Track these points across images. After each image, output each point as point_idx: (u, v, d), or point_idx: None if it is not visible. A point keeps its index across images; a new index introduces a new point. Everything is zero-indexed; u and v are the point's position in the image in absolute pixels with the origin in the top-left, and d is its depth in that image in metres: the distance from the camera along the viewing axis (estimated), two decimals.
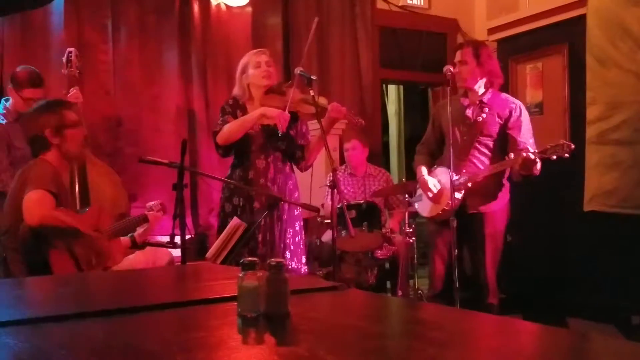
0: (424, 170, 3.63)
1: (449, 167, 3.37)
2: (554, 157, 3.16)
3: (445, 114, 3.43)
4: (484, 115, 3.50)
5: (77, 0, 4.25)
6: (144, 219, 3.24)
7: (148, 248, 3.21)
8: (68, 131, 2.84)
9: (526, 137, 3.46)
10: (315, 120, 3.12)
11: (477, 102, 3.52)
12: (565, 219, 4.81)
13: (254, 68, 3.26)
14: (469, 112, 3.53)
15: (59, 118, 2.84)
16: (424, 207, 3.70)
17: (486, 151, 3.51)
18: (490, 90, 3.54)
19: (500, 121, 3.51)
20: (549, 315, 4.54)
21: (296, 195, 3.40)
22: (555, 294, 4.79)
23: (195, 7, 4.63)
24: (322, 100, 3.22)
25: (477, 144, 3.50)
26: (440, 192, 3.51)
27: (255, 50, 3.43)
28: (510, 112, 3.50)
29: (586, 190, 4.50)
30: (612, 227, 4.41)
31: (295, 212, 3.35)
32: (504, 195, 3.58)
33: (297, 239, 3.34)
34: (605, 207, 4.39)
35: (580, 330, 4.17)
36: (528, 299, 4.89)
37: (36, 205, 2.55)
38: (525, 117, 3.53)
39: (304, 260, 3.40)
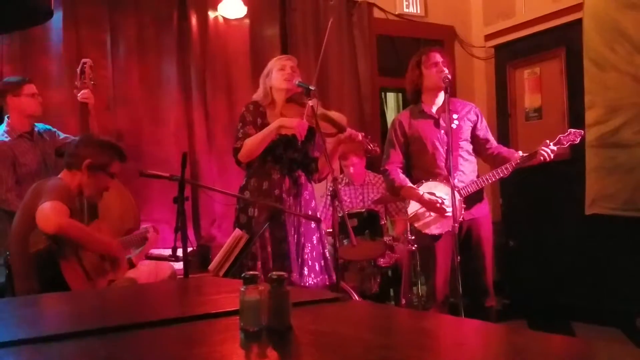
0: (419, 188, 3.46)
1: (434, 180, 3.41)
2: (566, 143, 3.36)
3: (415, 127, 3.49)
4: (457, 122, 3.49)
5: (76, 15, 4.26)
6: (144, 237, 3.22)
7: (150, 261, 3.20)
8: (102, 176, 2.88)
9: (492, 137, 3.63)
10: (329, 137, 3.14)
11: (446, 110, 3.42)
12: (567, 222, 4.81)
13: (277, 70, 3.27)
14: (442, 121, 3.44)
15: (107, 162, 2.90)
16: (432, 225, 3.47)
17: (468, 156, 3.51)
18: (446, 95, 3.47)
19: (471, 124, 3.54)
20: (553, 320, 4.53)
21: (312, 204, 3.37)
22: (558, 298, 4.78)
23: (194, 20, 4.64)
24: (339, 118, 3.21)
25: (460, 151, 3.47)
26: (447, 205, 3.36)
27: (283, 56, 3.46)
28: (477, 115, 3.57)
29: (587, 194, 4.50)
30: (615, 230, 4.41)
31: (313, 225, 3.30)
32: (486, 198, 3.62)
33: (314, 254, 3.28)
34: (607, 210, 4.38)
35: (585, 335, 4.15)
36: (532, 304, 4.88)
37: (52, 213, 2.56)
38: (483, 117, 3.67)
39: (322, 270, 3.32)
